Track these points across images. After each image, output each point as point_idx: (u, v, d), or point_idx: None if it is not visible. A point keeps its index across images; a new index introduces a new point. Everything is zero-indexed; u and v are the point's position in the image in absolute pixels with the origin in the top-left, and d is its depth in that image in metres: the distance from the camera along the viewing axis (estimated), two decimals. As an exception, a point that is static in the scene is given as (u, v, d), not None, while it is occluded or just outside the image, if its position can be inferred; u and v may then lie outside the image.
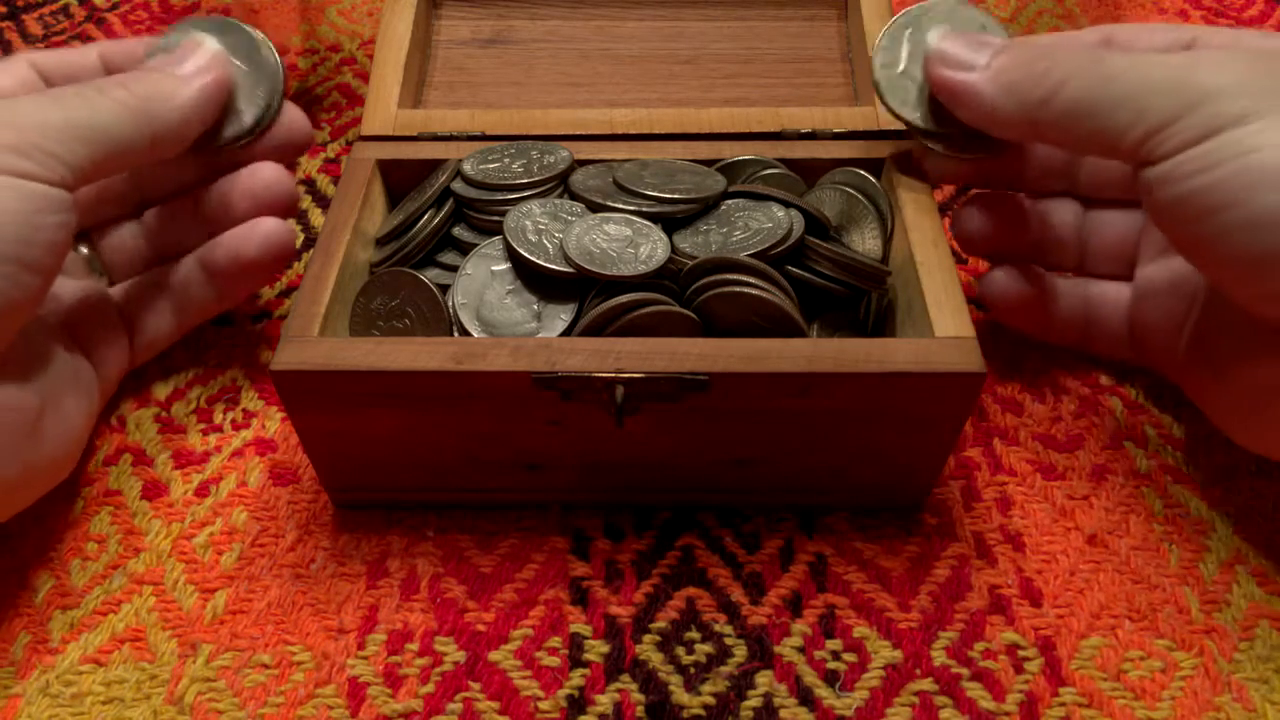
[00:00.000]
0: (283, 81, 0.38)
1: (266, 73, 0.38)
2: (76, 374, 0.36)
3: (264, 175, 0.37)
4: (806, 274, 0.35)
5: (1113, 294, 0.39)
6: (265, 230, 0.37)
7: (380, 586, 0.35)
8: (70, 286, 0.38)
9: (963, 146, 0.36)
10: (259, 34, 0.38)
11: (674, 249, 0.35)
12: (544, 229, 0.36)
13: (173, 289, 0.39)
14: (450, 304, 0.35)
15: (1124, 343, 0.39)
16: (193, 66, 0.36)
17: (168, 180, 0.40)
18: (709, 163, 0.39)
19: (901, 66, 0.36)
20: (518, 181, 0.37)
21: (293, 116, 0.39)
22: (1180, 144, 0.28)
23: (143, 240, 0.40)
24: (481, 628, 0.33)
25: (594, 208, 0.37)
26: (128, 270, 0.40)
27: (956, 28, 0.35)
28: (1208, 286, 0.35)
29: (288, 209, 0.38)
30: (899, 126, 0.40)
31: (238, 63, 0.38)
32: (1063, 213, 0.39)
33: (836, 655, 0.33)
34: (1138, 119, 0.29)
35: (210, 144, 0.37)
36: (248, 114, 0.38)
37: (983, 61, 0.33)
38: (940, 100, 0.35)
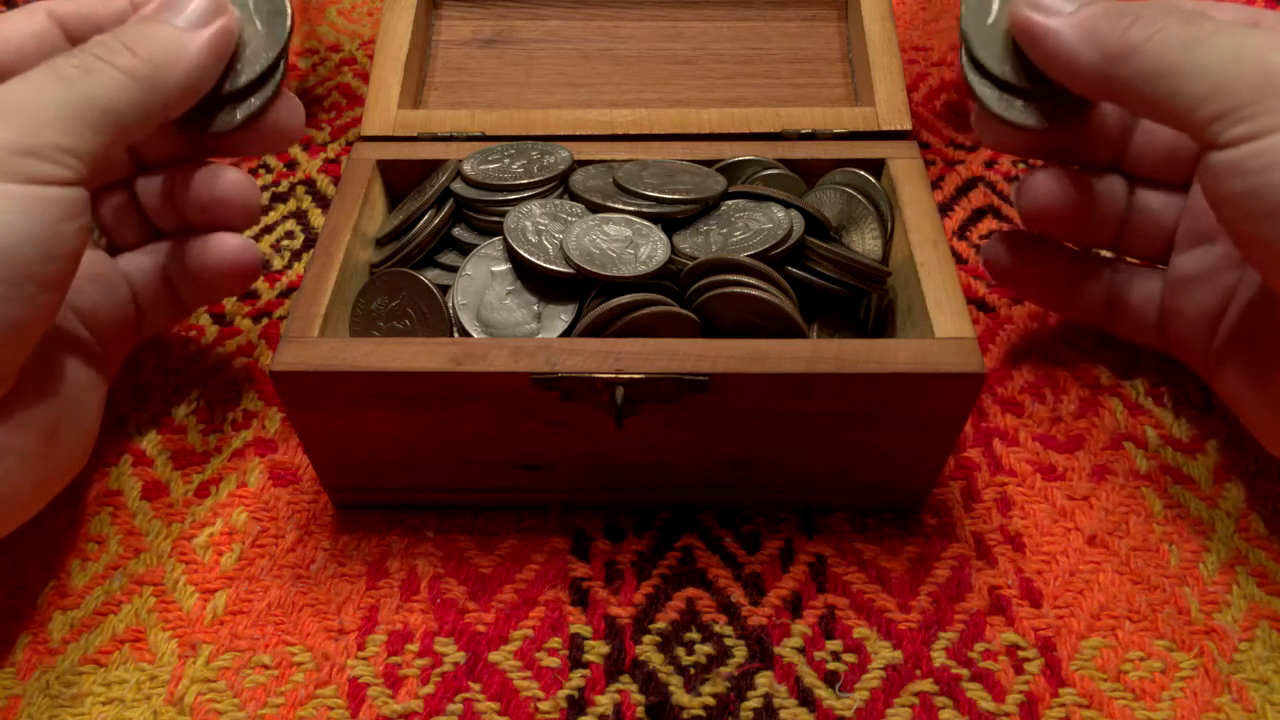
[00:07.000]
0: (287, 43, 0.34)
1: (274, 34, 0.34)
2: (90, 367, 0.34)
3: (225, 179, 0.34)
4: (806, 274, 0.35)
5: (1144, 278, 0.37)
6: (226, 249, 0.35)
7: (380, 587, 0.35)
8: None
9: (1046, 110, 0.33)
10: None
11: (674, 249, 0.35)
12: (544, 229, 0.36)
13: (168, 267, 0.37)
14: (450, 304, 0.35)
15: (1151, 329, 0.37)
16: (194, 14, 0.32)
17: (162, 146, 0.36)
18: (709, 163, 0.39)
19: (993, 16, 0.34)
20: (518, 182, 0.37)
21: (290, 108, 0.35)
22: (1255, 131, 0.26)
23: (137, 211, 0.37)
24: (481, 628, 0.33)
25: (594, 208, 0.37)
26: (126, 239, 0.37)
27: None
28: (1257, 288, 0.33)
29: (248, 216, 0.36)
30: (899, 126, 0.40)
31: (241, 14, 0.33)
32: (1111, 187, 0.36)
33: (836, 656, 0.33)
34: (1213, 94, 0.26)
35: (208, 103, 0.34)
36: (243, 74, 0.33)
37: (1070, 9, 0.31)
38: (1019, 44, 0.32)
